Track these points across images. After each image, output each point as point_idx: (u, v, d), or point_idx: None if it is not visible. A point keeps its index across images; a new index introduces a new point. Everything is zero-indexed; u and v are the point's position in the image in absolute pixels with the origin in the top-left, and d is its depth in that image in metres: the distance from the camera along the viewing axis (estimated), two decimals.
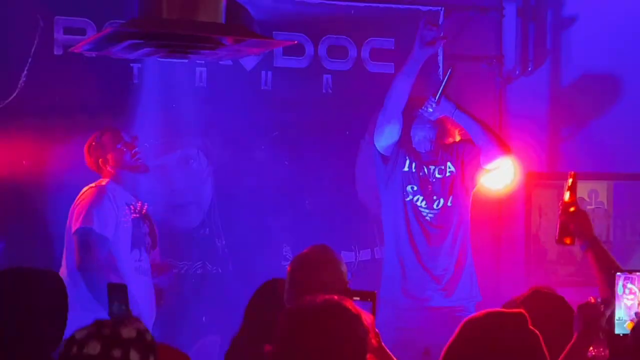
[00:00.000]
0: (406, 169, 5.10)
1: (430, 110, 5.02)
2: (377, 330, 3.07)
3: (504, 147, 5.10)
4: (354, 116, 5.84)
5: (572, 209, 4.00)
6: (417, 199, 5.08)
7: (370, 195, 5.95)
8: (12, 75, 5.19)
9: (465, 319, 2.69)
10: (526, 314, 2.65)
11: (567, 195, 4.02)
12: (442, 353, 2.65)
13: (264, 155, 5.68)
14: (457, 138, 5.19)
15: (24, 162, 5.25)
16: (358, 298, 3.09)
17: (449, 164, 5.11)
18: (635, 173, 6.55)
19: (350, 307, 2.67)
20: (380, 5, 5.93)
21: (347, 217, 5.82)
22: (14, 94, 5.18)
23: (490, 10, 6.33)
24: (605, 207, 6.52)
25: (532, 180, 6.40)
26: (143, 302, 4.79)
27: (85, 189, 4.90)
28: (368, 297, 3.11)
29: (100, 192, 4.84)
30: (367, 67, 5.91)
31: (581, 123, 6.54)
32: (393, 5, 5.97)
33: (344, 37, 5.85)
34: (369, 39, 5.90)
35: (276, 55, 5.69)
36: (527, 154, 6.26)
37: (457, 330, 2.66)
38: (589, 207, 6.47)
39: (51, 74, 5.27)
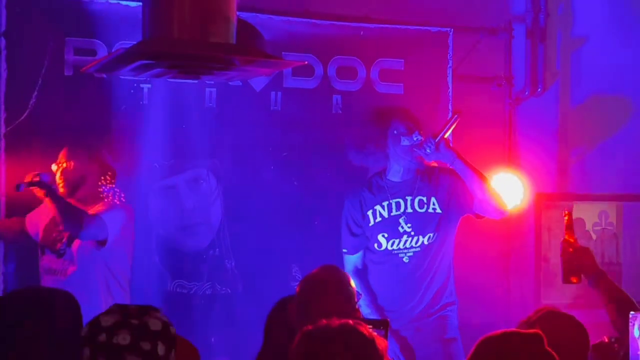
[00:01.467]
0: (377, 219, 4.95)
1: (428, 151, 4.82)
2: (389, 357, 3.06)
3: (502, 205, 4.90)
4: (363, 136, 5.82)
5: (570, 248, 4.00)
6: (392, 244, 4.93)
7: None
8: (22, 95, 5.19)
9: (481, 338, 2.68)
10: (542, 335, 2.64)
11: (565, 235, 4.03)
12: None
13: (273, 176, 5.68)
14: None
15: None
16: (371, 326, 3.09)
17: (433, 199, 4.92)
18: None
19: (365, 331, 2.67)
20: (390, 26, 5.95)
21: None
22: (25, 115, 5.19)
23: (499, 32, 6.35)
24: (615, 228, 6.50)
25: (542, 201, 6.39)
26: None
27: None
28: (380, 326, 3.11)
29: None
30: (376, 88, 5.91)
31: (591, 144, 6.53)
32: (402, 27, 5.98)
33: (354, 57, 5.86)
34: (378, 60, 5.91)
35: (286, 75, 5.70)
36: (537, 174, 6.26)
37: (472, 349, 2.65)
38: (597, 228, 6.46)
39: (61, 94, 5.28)
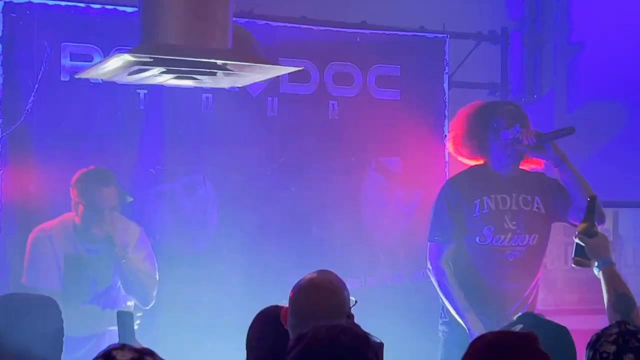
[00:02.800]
0: (483, 210, 4.74)
1: (532, 146, 4.66)
2: None
3: (603, 216, 4.63)
4: (360, 142, 5.84)
5: (589, 231, 4.00)
6: (497, 240, 4.73)
7: (376, 222, 5.95)
8: (19, 100, 5.20)
9: (474, 338, 2.68)
10: (536, 335, 2.64)
11: (585, 218, 4.02)
12: None
13: (269, 182, 5.68)
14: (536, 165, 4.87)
15: (30, 187, 5.25)
16: None
17: (537, 199, 4.78)
18: None
19: (359, 331, 2.68)
20: (386, 32, 5.96)
21: (353, 243, 5.81)
22: (21, 120, 5.19)
23: (495, 38, 6.36)
24: (611, 234, 6.50)
25: None
26: None
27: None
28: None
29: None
30: (372, 94, 5.92)
31: (586, 150, 6.53)
32: (399, 33, 6.00)
33: (350, 63, 5.87)
34: (374, 66, 5.92)
35: (282, 81, 5.71)
36: None
37: (467, 349, 2.65)
38: None
39: (58, 100, 5.28)
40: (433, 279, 4.78)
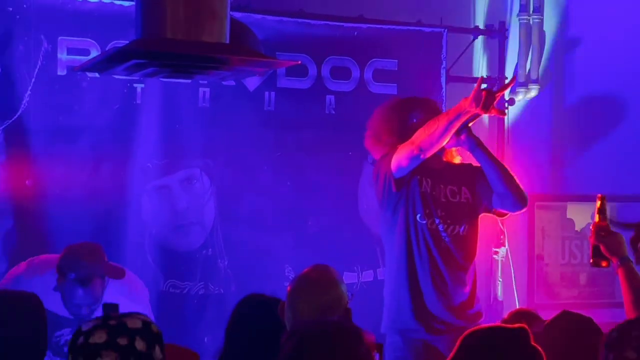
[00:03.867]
0: (422, 189, 4.69)
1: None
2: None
3: (522, 198, 4.70)
4: (356, 137, 5.82)
5: (602, 232, 3.99)
6: (434, 222, 4.70)
7: (373, 215, 5.95)
8: (15, 95, 5.19)
9: (466, 332, 2.68)
10: (528, 329, 2.64)
11: (597, 218, 4.02)
12: None
13: (266, 176, 5.68)
14: (458, 159, 4.88)
15: (26, 182, 5.24)
16: None
17: (464, 189, 4.77)
18: (639, 195, 6.54)
19: (351, 327, 2.68)
20: (384, 26, 5.95)
21: (349, 237, 5.82)
22: (17, 114, 5.18)
23: (492, 32, 6.36)
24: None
25: (535, 202, 6.39)
26: None
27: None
28: (376, 349, 3.10)
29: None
30: (370, 88, 5.92)
31: (584, 144, 6.54)
32: (396, 27, 5.99)
33: (347, 58, 5.86)
34: (372, 60, 5.91)
35: (279, 75, 5.70)
36: (530, 175, 6.26)
37: (458, 343, 2.65)
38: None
39: (55, 94, 5.27)
40: (405, 147, 4.58)
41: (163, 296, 5.47)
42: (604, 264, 3.99)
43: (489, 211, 4.82)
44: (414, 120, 4.71)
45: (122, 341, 2.42)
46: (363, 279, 5.90)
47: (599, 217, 4.01)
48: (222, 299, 5.56)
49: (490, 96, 4.43)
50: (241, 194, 5.65)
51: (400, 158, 4.62)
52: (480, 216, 4.82)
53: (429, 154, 4.55)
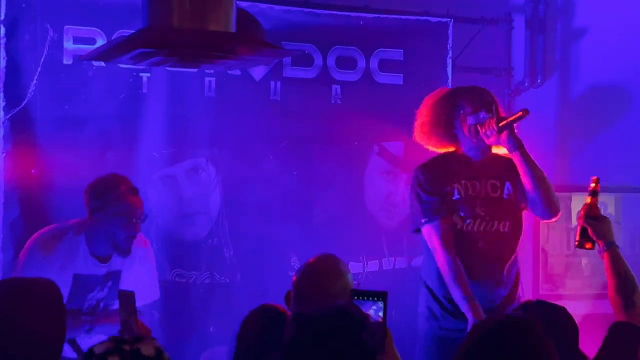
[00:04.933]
0: (456, 196, 4.64)
1: (488, 135, 4.60)
2: (388, 328, 3.04)
3: (552, 210, 4.67)
4: (362, 126, 5.84)
5: (592, 214, 4.00)
6: (468, 224, 4.63)
7: (378, 206, 5.95)
8: (22, 84, 5.19)
9: (475, 323, 2.69)
10: (536, 320, 2.64)
11: (589, 199, 4.02)
12: (455, 356, 2.63)
13: (272, 165, 5.68)
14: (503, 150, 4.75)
15: (32, 170, 5.25)
16: (369, 298, 3.07)
17: (507, 184, 4.70)
18: None
19: (355, 312, 2.68)
20: (390, 16, 5.94)
21: (355, 227, 5.81)
22: (24, 103, 5.19)
23: (499, 22, 6.34)
24: (615, 219, 6.50)
25: None
26: None
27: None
28: (379, 297, 3.08)
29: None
30: (375, 78, 5.91)
31: (590, 135, 6.53)
32: (402, 17, 5.98)
33: (353, 47, 5.85)
34: (377, 50, 5.90)
35: (285, 65, 5.69)
36: None
37: (467, 335, 2.65)
38: None
39: (60, 83, 5.28)
40: (440, 262, 4.59)
41: (169, 285, 5.47)
42: (588, 245, 4.01)
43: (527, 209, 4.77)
44: (461, 112, 4.68)
45: None
46: (368, 269, 5.90)
47: (591, 199, 4.02)
48: (228, 289, 5.57)
49: (499, 127, 4.54)
50: (247, 184, 5.65)
51: (431, 247, 4.62)
52: (522, 214, 4.76)
53: None
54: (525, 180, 4.63)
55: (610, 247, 3.88)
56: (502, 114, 4.73)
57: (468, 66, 6.19)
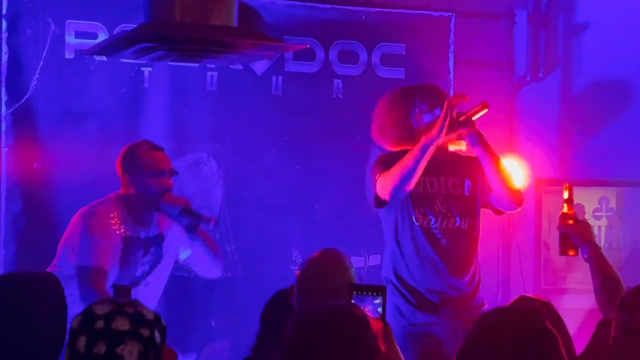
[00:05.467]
0: (415, 191, 4.62)
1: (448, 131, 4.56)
2: (387, 323, 3.04)
3: (516, 200, 4.66)
4: (364, 121, 5.82)
5: (570, 221, 4.01)
6: (429, 221, 4.66)
7: None
8: (23, 78, 5.20)
9: (481, 314, 2.68)
10: (542, 311, 2.63)
11: (565, 207, 4.03)
12: (459, 347, 2.63)
13: (274, 160, 5.68)
14: (464, 148, 4.78)
15: (34, 165, 5.25)
16: (368, 292, 3.07)
17: (467, 181, 4.71)
18: None
19: (357, 312, 2.67)
20: (392, 10, 5.93)
21: (356, 222, 5.81)
22: (25, 97, 5.19)
23: (501, 17, 6.34)
24: (616, 213, 6.50)
25: (542, 187, 6.38)
26: None
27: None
28: (379, 292, 3.08)
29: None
30: (377, 73, 5.91)
31: (592, 129, 6.52)
32: (404, 11, 5.97)
33: (355, 42, 5.85)
34: (379, 44, 5.90)
35: (287, 59, 5.69)
36: (538, 160, 6.26)
37: (473, 325, 2.64)
38: (598, 213, 6.47)
39: (62, 77, 5.28)
40: (393, 175, 4.54)
41: (171, 280, 5.45)
42: (571, 252, 4.02)
43: (487, 206, 4.78)
44: (417, 111, 4.68)
45: (145, 332, 2.41)
46: (370, 263, 5.90)
47: (567, 206, 4.03)
48: (230, 283, 5.57)
49: (459, 121, 4.47)
50: (248, 178, 5.65)
51: (383, 191, 4.59)
52: (481, 210, 4.77)
53: (407, 189, 4.53)
54: (489, 173, 4.62)
55: (593, 249, 3.90)
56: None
57: (470, 61, 6.18)
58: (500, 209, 4.78)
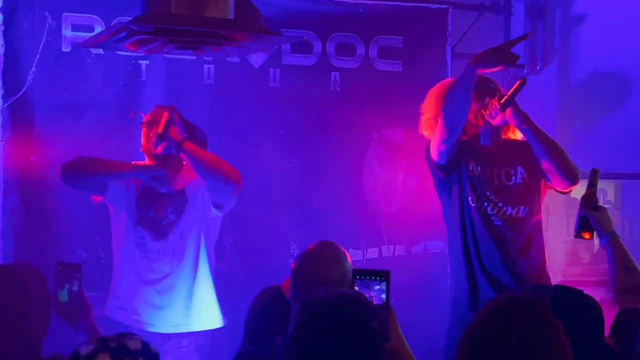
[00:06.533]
0: (470, 173, 4.64)
1: (493, 116, 4.59)
2: (391, 307, 3.04)
3: (570, 175, 4.58)
4: (361, 114, 5.83)
5: (592, 205, 4.00)
6: (484, 206, 4.64)
7: (378, 193, 5.95)
8: (20, 72, 5.19)
9: (490, 299, 2.68)
10: (549, 302, 2.62)
11: (588, 190, 4.03)
12: (464, 334, 2.62)
13: (271, 153, 5.67)
14: (518, 135, 4.74)
15: (32, 158, 5.25)
16: (371, 277, 3.06)
17: (520, 168, 4.68)
18: None
19: (363, 300, 2.67)
20: (389, 3, 5.93)
21: (355, 215, 5.82)
22: (22, 91, 5.19)
23: (498, 9, 6.34)
24: (614, 206, 6.50)
25: None
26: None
27: None
28: (382, 277, 3.07)
29: None
30: (375, 65, 5.90)
31: (589, 122, 6.53)
32: (401, 3, 5.96)
33: (352, 34, 5.85)
34: (377, 37, 5.89)
35: (284, 52, 5.69)
36: None
37: (482, 308, 2.64)
38: None
39: (59, 70, 5.28)
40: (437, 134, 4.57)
41: None
42: (587, 235, 4.02)
43: (550, 187, 4.72)
44: None
45: None
46: (368, 256, 5.90)
47: (591, 190, 4.03)
48: (228, 277, 5.56)
49: (497, 53, 4.45)
50: (246, 171, 5.63)
51: (436, 144, 4.58)
52: (544, 194, 4.72)
53: (458, 130, 4.51)
54: (538, 152, 4.59)
55: (613, 237, 3.89)
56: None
57: (467, 53, 6.15)
58: (558, 188, 4.71)
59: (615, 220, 6.48)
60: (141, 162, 4.83)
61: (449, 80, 4.93)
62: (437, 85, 4.85)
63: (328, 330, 2.58)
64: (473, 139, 4.72)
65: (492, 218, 4.63)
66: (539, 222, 4.74)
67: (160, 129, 4.63)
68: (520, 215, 4.66)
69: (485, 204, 4.64)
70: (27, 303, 3.08)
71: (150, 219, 4.77)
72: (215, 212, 4.86)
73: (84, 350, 2.47)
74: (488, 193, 4.64)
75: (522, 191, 4.68)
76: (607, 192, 6.51)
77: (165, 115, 4.65)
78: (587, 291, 3.64)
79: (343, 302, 2.65)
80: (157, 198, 4.80)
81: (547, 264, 4.77)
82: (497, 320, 2.53)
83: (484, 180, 4.65)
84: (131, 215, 4.76)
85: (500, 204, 4.64)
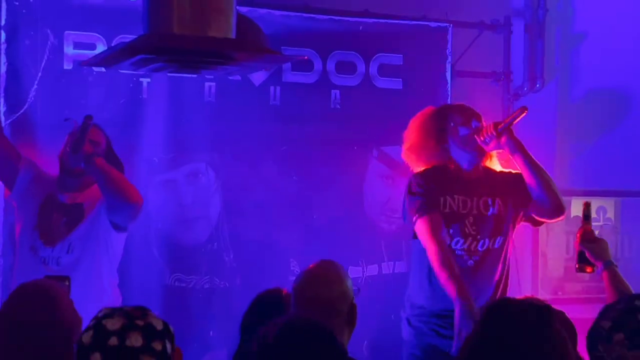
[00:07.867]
0: (447, 209, 4.57)
1: (487, 142, 4.55)
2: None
3: (558, 207, 4.60)
4: (362, 131, 5.85)
5: (589, 238, 4.03)
6: (456, 242, 4.59)
7: (378, 210, 5.96)
8: (22, 89, 5.20)
9: (487, 306, 2.68)
10: (554, 310, 2.63)
11: (582, 224, 4.06)
12: (467, 338, 2.62)
13: (272, 170, 5.69)
14: (497, 165, 4.74)
15: None
16: None
17: (497, 200, 4.62)
18: None
19: (320, 329, 2.61)
20: (389, 21, 5.95)
21: (354, 232, 5.82)
22: (24, 108, 5.20)
23: (498, 27, 6.36)
24: (614, 224, 6.52)
25: None
26: None
27: None
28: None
29: None
30: (375, 83, 5.92)
31: (589, 140, 6.54)
32: (401, 22, 5.99)
33: (353, 52, 5.87)
34: (377, 55, 5.91)
35: (285, 70, 5.71)
36: None
37: (480, 317, 2.64)
38: (596, 223, 6.48)
39: (61, 88, 5.29)
40: (430, 252, 4.47)
41: (169, 290, 5.49)
42: (588, 269, 4.06)
43: (527, 220, 4.73)
44: (452, 125, 4.65)
45: (157, 346, 2.44)
46: (367, 273, 5.91)
47: (584, 223, 4.06)
48: (228, 293, 5.58)
49: (498, 130, 4.52)
50: (247, 188, 5.66)
51: (422, 239, 4.53)
52: (514, 228, 4.71)
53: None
54: (530, 181, 4.58)
55: (609, 266, 3.93)
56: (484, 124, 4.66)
57: (467, 71, 6.21)
58: (543, 219, 4.72)
59: (615, 237, 6.51)
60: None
61: (431, 108, 4.88)
62: (418, 115, 4.82)
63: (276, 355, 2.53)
64: (449, 168, 4.66)
65: (462, 253, 4.57)
66: (506, 256, 4.71)
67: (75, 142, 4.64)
68: (496, 246, 4.62)
69: (461, 240, 4.58)
70: (71, 313, 3.12)
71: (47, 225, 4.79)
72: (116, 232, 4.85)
73: (111, 324, 2.43)
74: (465, 227, 4.58)
75: (497, 223, 4.63)
76: (607, 210, 6.53)
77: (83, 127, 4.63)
78: (587, 308, 3.66)
79: (295, 332, 2.57)
80: (58, 207, 4.83)
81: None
82: (506, 322, 2.53)
83: (462, 214, 4.59)
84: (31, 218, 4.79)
85: (478, 237, 4.59)
